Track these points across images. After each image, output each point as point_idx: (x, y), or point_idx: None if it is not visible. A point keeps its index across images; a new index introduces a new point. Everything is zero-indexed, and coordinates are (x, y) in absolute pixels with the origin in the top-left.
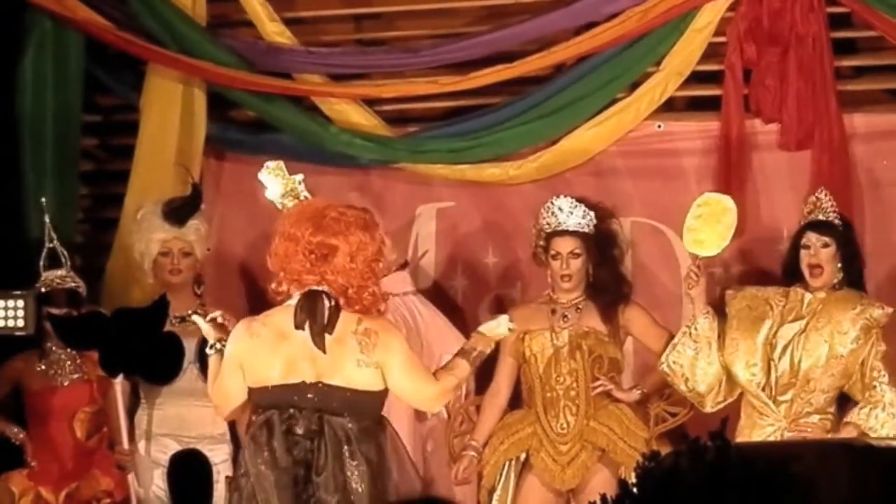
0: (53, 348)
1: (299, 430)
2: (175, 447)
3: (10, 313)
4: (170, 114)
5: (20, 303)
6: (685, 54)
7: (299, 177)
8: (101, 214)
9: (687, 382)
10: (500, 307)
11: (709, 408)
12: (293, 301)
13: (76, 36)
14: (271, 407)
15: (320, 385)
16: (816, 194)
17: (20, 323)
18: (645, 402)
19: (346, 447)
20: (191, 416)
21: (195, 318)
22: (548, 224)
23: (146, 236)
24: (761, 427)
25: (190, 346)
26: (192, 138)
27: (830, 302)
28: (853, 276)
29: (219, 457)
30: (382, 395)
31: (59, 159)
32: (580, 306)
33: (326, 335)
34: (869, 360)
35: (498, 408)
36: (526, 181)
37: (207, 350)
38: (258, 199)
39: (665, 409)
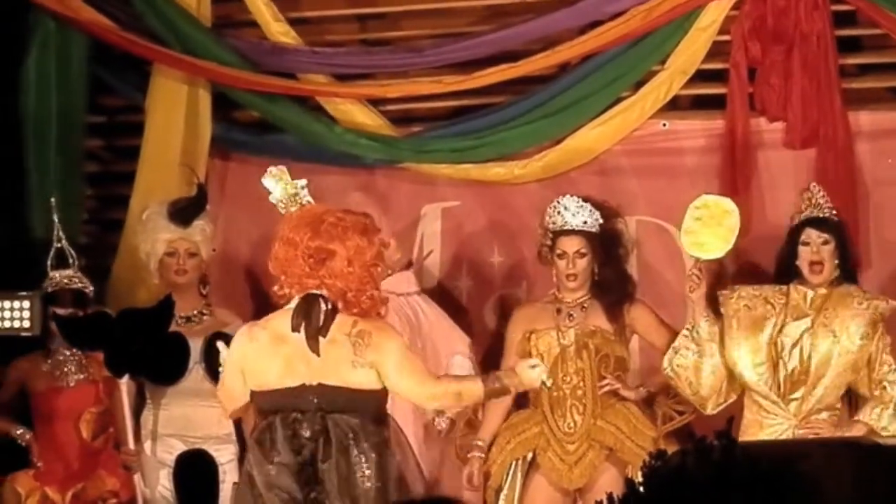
0: (59, 349)
1: (305, 433)
2: (181, 447)
3: (16, 314)
4: (174, 114)
5: (26, 303)
6: (690, 53)
7: (302, 182)
8: (106, 215)
9: (691, 386)
10: (505, 307)
11: (710, 410)
12: (293, 305)
13: (79, 36)
14: (274, 411)
15: (320, 386)
16: (810, 188)
17: (26, 324)
18: (651, 400)
19: (351, 442)
20: (196, 416)
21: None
22: (553, 223)
23: (152, 237)
24: (770, 426)
25: (195, 347)
26: (197, 139)
27: (834, 298)
28: (848, 272)
29: (225, 457)
30: (382, 393)
31: (62, 160)
32: (585, 305)
33: (321, 338)
34: (878, 354)
35: (503, 407)
36: (531, 180)
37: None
38: (263, 200)
39: (672, 408)
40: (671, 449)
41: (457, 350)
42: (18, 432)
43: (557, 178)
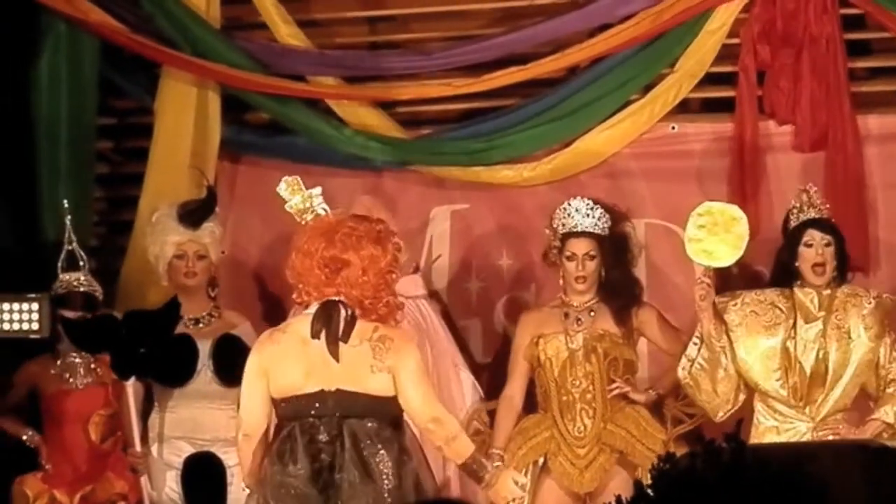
0: (68, 351)
1: (322, 438)
2: (189, 450)
3: (25, 316)
4: (184, 116)
5: (35, 306)
6: (699, 56)
7: (317, 190)
8: (115, 217)
9: (708, 394)
10: (514, 309)
11: (721, 417)
12: (312, 310)
13: (91, 39)
14: (294, 419)
15: (339, 392)
16: (806, 189)
17: (35, 326)
18: (660, 403)
19: (367, 445)
20: (204, 418)
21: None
22: (563, 225)
23: (161, 239)
24: (786, 431)
25: (204, 349)
26: (207, 141)
27: (840, 298)
28: (844, 272)
29: (233, 459)
30: (398, 399)
31: (73, 162)
32: (593, 309)
33: (341, 343)
34: (889, 351)
35: (514, 412)
36: (540, 183)
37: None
38: (272, 202)
39: (681, 410)
40: (681, 451)
41: (457, 361)
42: (27, 435)
43: (566, 181)
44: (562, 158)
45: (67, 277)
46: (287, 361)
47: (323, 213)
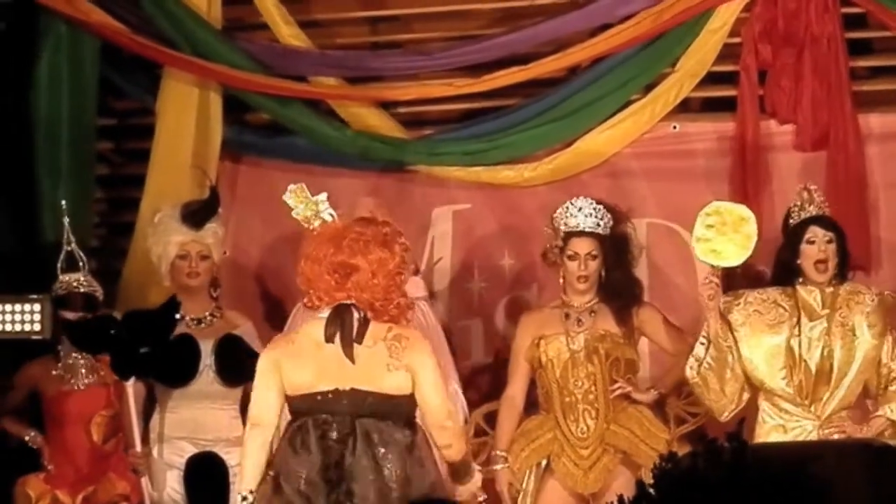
0: (70, 352)
1: (333, 435)
2: (191, 450)
3: (27, 317)
4: (185, 117)
5: (36, 307)
6: (700, 55)
7: (322, 196)
8: (116, 218)
9: (716, 393)
10: (515, 309)
11: (726, 416)
12: (324, 314)
13: (91, 39)
14: (307, 414)
15: (353, 391)
16: (806, 187)
17: (36, 327)
18: (663, 402)
19: (378, 445)
20: (206, 418)
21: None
22: (565, 224)
23: (163, 239)
24: (792, 430)
25: (206, 349)
26: (208, 142)
27: (843, 296)
28: (845, 270)
29: (235, 459)
30: (413, 398)
31: (73, 163)
32: (594, 309)
33: (356, 345)
34: (891, 349)
35: (516, 413)
36: (541, 183)
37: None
38: (274, 202)
39: (684, 409)
40: (684, 451)
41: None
42: (29, 436)
43: (568, 181)
44: (563, 158)
45: (67, 278)
46: (300, 360)
47: (330, 218)
